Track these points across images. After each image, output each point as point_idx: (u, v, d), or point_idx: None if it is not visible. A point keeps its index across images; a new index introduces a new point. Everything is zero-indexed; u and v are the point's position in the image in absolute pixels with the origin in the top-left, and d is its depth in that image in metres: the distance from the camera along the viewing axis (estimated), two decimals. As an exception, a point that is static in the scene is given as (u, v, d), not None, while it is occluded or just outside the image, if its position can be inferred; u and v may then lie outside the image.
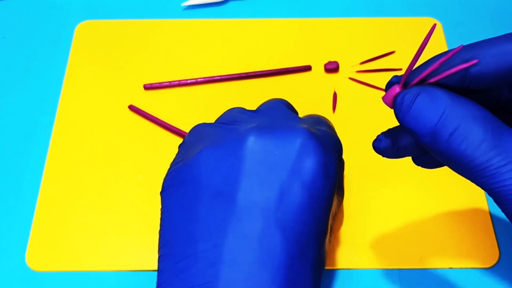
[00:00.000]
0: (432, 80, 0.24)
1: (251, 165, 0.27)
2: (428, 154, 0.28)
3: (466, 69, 0.23)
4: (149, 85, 0.57)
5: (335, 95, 0.56)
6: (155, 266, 0.46)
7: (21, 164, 0.53)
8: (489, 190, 0.21)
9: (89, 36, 0.61)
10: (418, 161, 0.29)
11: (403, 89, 0.25)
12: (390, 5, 0.63)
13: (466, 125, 0.21)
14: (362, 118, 0.54)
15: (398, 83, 0.26)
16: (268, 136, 0.29)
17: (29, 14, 0.63)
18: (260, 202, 0.26)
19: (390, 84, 0.27)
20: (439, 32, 0.60)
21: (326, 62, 0.58)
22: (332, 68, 0.57)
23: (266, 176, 0.27)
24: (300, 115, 0.55)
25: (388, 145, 0.27)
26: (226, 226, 0.26)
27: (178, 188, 0.29)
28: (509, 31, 0.61)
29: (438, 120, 0.22)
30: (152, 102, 0.56)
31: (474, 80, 0.23)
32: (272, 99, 0.38)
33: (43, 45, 0.61)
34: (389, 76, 0.57)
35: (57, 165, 0.52)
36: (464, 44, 0.24)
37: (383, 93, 0.57)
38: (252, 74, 0.57)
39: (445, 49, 0.59)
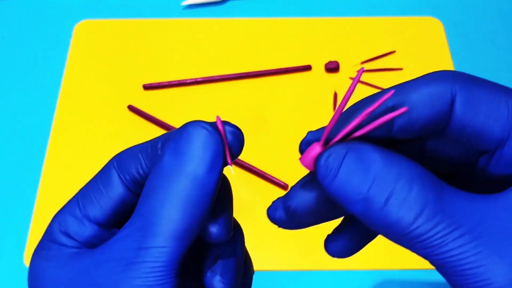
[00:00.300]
0: (357, 134, 0.20)
1: None
2: (342, 238, 0.24)
3: (390, 120, 0.20)
4: (148, 85, 0.57)
5: (335, 95, 0.56)
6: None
7: (20, 163, 0.52)
8: (434, 261, 0.18)
9: (88, 36, 0.61)
10: (330, 250, 0.24)
11: (325, 148, 0.20)
12: (391, 5, 0.63)
13: (403, 189, 0.18)
14: (362, 118, 0.54)
15: (316, 140, 0.21)
16: None
17: (27, 13, 0.63)
18: None
19: (306, 143, 0.22)
20: (440, 31, 0.60)
21: (327, 61, 0.58)
22: (332, 67, 0.57)
23: None
24: (300, 114, 0.55)
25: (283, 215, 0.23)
26: None
27: None
28: (510, 30, 0.61)
29: (370, 185, 0.18)
30: (152, 102, 0.56)
31: (400, 129, 0.20)
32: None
33: (41, 44, 0.60)
34: (390, 75, 0.57)
35: (56, 165, 0.52)
36: (421, 73, 0.20)
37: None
38: (252, 73, 0.57)
39: (447, 49, 0.59)
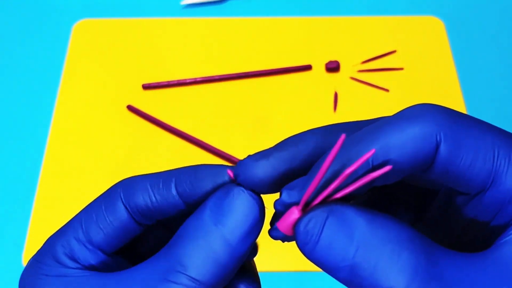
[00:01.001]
0: (338, 196, 0.18)
1: None
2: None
3: (370, 170, 0.18)
4: (147, 85, 0.57)
5: (336, 95, 0.56)
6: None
7: (18, 163, 0.52)
8: None
9: (87, 35, 0.61)
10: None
11: (304, 213, 0.18)
12: (392, 4, 0.63)
13: (392, 255, 0.17)
14: (363, 118, 0.54)
15: (295, 203, 0.19)
16: None
17: (25, 12, 0.63)
18: None
19: (281, 204, 0.20)
20: (441, 30, 0.60)
21: (327, 61, 0.58)
22: (333, 67, 0.57)
23: None
24: (301, 114, 0.55)
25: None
26: None
27: None
28: (512, 30, 0.61)
29: (356, 250, 0.17)
30: (151, 102, 0.56)
31: (382, 180, 0.19)
32: None
33: (40, 44, 0.60)
34: (391, 75, 0.57)
35: (54, 166, 0.52)
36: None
37: (385, 92, 0.57)
38: (252, 73, 0.57)
39: (448, 48, 0.59)
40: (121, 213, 0.22)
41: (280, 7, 0.63)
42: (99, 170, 0.52)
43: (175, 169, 0.22)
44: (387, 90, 0.56)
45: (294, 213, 0.19)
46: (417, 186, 0.23)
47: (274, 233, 0.20)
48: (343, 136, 0.17)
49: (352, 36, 0.60)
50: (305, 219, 0.18)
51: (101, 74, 0.58)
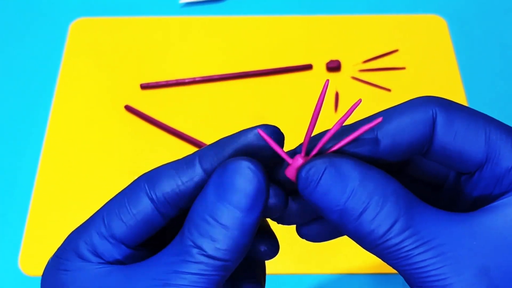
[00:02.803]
0: (335, 147, 0.22)
1: None
2: (315, 225, 0.26)
3: (376, 142, 0.22)
4: (145, 84, 0.57)
5: (337, 94, 0.56)
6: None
7: (14, 164, 0.53)
8: (401, 271, 0.20)
9: (84, 34, 0.61)
10: (302, 232, 0.27)
11: (306, 161, 0.22)
12: (393, 2, 0.63)
13: (376, 204, 0.20)
14: (364, 118, 0.54)
15: (298, 152, 0.23)
16: None
17: (22, 11, 0.63)
18: None
19: (292, 154, 0.23)
20: (443, 29, 0.60)
21: (328, 60, 0.58)
22: (333, 66, 0.57)
23: None
24: (301, 114, 0.55)
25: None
26: None
27: None
28: (516, 29, 0.61)
29: (347, 198, 0.20)
30: (149, 102, 0.56)
31: (385, 152, 0.22)
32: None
33: (36, 43, 0.61)
34: (393, 75, 0.58)
35: (51, 167, 0.52)
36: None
37: (387, 92, 0.57)
38: (251, 73, 0.57)
39: (450, 47, 0.59)
40: (144, 205, 0.22)
41: (280, 5, 0.63)
42: (97, 171, 0.52)
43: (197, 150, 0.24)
44: (389, 90, 0.56)
45: (298, 160, 0.22)
46: (424, 179, 0.26)
47: (282, 178, 0.24)
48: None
49: (353, 35, 0.60)
50: (307, 167, 0.21)
51: (99, 74, 0.58)
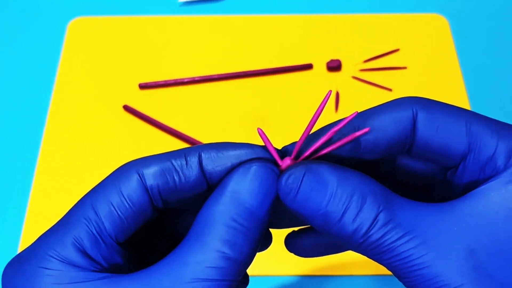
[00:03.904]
0: (325, 151, 0.23)
1: None
2: (304, 239, 0.27)
3: (358, 138, 0.23)
4: (144, 84, 0.57)
5: (337, 94, 0.56)
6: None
7: (12, 164, 0.53)
8: (387, 264, 0.21)
9: (82, 33, 0.61)
10: (290, 247, 0.28)
11: (285, 169, 0.22)
12: (395, 1, 0.63)
13: (356, 204, 0.21)
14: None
15: (289, 154, 0.24)
16: None
17: (19, 10, 0.63)
18: None
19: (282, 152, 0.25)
20: (445, 28, 0.61)
21: (328, 60, 0.58)
22: (334, 66, 0.57)
23: None
24: (301, 114, 0.56)
25: None
26: None
27: None
28: (518, 28, 0.61)
29: (327, 202, 0.21)
30: (148, 102, 0.56)
31: (367, 149, 0.23)
32: None
33: (34, 42, 0.61)
34: (394, 74, 0.58)
35: (49, 167, 0.52)
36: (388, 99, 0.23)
37: (388, 92, 0.57)
38: (251, 72, 0.57)
39: (452, 47, 0.59)
40: (140, 194, 0.22)
41: (280, 4, 0.63)
42: (95, 171, 0.52)
43: (195, 146, 0.24)
44: (390, 90, 0.57)
45: (286, 162, 0.23)
46: (411, 183, 0.26)
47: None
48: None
49: (354, 35, 0.60)
50: (286, 175, 0.22)
51: (97, 73, 0.58)
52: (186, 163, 0.23)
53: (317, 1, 0.63)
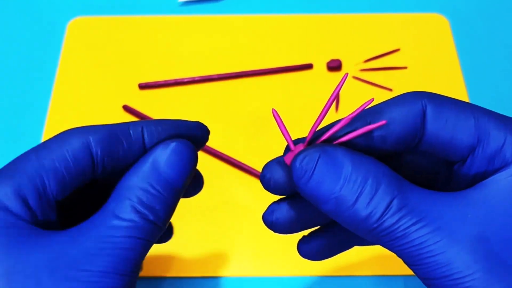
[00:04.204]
0: (340, 141, 0.23)
1: None
2: (315, 242, 0.27)
3: (369, 134, 0.23)
4: (144, 84, 0.57)
5: (338, 94, 0.56)
6: (151, 271, 0.46)
7: (11, 166, 0.53)
8: (398, 251, 0.21)
9: (82, 33, 0.61)
10: (302, 250, 0.28)
11: (300, 150, 0.23)
12: (395, 1, 0.63)
13: (371, 188, 0.21)
14: (365, 119, 0.55)
15: (301, 141, 0.24)
16: None
17: (19, 10, 0.63)
18: None
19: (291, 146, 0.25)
20: (445, 28, 0.61)
21: (329, 60, 0.58)
22: (334, 66, 0.57)
23: None
24: (301, 114, 0.56)
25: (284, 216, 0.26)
26: None
27: None
28: (519, 28, 0.61)
29: (342, 185, 0.21)
30: (148, 102, 0.56)
31: (377, 143, 0.23)
32: None
33: (33, 42, 0.61)
34: (394, 74, 0.58)
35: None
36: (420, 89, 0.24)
37: (388, 92, 0.57)
38: (251, 72, 0.58)
39: (453, 46, 0.59)
40: (84, 155, 0.24)
41: (280, 4, 0.63)
42: (94, 172, 0.52)
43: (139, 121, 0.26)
44: (390, 90, 0.57)
45: (299, 147, 0.23)
46: (416, 172, 0.27)
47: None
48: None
49: (354, 34, 0.60)
50: (301, 156, 0.22)
51: (96, 73, 0.58)
52: (130, 135, 0.25)
53: (317, 1, 0.63)
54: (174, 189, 0.24)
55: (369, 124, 0.23)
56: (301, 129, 0.55)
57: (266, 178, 0.25)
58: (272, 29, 0.61)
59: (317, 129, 0.24)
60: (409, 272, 0.46)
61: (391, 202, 0.21)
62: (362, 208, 0.21)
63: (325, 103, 0.22)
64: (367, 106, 0.23)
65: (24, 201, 0.22)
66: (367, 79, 0.57)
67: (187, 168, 0.24)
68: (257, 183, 0.51)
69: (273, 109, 0.24)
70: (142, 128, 0.25)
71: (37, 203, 0.23)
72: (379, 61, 0.59)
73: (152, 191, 0.23)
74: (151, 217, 0.23)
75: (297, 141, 0.25)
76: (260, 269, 0.47)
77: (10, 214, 0.22)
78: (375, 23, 0.61)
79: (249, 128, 0.54)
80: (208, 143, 0.55)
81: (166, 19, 0.62)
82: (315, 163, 0.21)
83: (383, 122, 0.22)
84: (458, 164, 0.23)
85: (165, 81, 0.57)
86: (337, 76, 0.57)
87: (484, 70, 0.58)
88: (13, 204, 0.22)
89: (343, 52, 0.59)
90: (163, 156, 0.24)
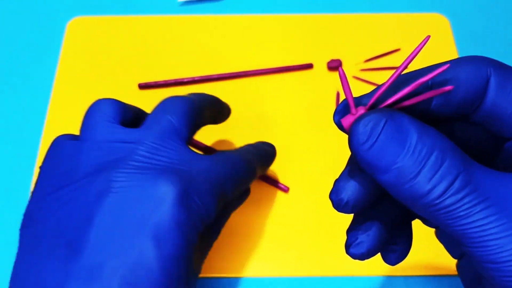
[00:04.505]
0: (405, 104, 0.21)
1: (105, 225, 0.26)
2: (367, 238, 0.25)
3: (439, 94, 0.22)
4: (144, 84, 0.57)
5: (338, 94, 0.56)
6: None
7: (10, 165, 0.53)
8: (457, 231, 0.20)
9: (81, 33, 0.61)
10: (354, 250, 0.25)
11: (362, 114, 0.21)
12: (395, 1, 0.63)
13: (436, 161, 0.19)
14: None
15: (364, 104, 0.22)
16: (128, 195, 0.28)
17: (18, 9, 0.63)
18: (108, 263, 0.26)
19: (343, 106, 0.23)
20: (446, 28, 0.61)
21: (329, 60, 0.58)
22: (335, 66, 0.57)
23: (120, 237, 0.26)
24: (301, 114, 0.56)
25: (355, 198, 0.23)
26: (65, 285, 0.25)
27: (29, 232, 0.29)
28: (520, 28, 0.61)
29: (405, 155, 0.20)
30: (148, 102, 0.56)
31: (439, 103, 0.22)
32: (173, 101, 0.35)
33: (32, 42, 0.61)
34: (394, 74, 0.58)
35: (48, 168, 0.52)
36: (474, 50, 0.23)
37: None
38: (251, 72, 0.58)
39: (453, 47, 0.59)
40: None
41: (280, 4, 0.63)
42: (94, 172, 0.52)
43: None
44: (390, 90, 0.57)
45: (360, 111, 0.21)
46: (466, 144, 0.25)
47: (338, 125, 0.23)
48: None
49: (354, 34, 0.60)
50: (365, 120, 0.20)
51: (96, 73, 0.58)
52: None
53: (317, 0, 0.63)
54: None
55: (430, 85, 0.21)
56: (301, 129, 0.55)
57: (343, 202, 0.23)
58: (272, 29, 0.61)
59: (383, 91, 0.22)
60: (410, 272, 0.46)
61: (455, 178, 0.19)
62: (424, 182, 0.19)
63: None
64: (442, 70, 0.21)
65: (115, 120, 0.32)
66: (367, 79, 0.57)
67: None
68: (257, 181, 0.51)
69: (340, 69, 0.22)
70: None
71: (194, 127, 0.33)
72: (380, 61, 0.59)
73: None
74: None
75: (356, 103, 0.22)
76: (260, 269, 0.47)
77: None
78: (376, 23, 0.61)
79: (249, 127, 0.54)
80: (208, 143, 0.55)
81: (166, 19, 0.62)
82: (381, 128, 0.20)
83: (450, 87, 0.20)
84: (511, 142, 0.22)
85: (165, 81, 0.57)
86: (337, 76, 0.57)
87: (485, 70, 0.58)
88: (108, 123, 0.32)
89: (343, 52, 0.59)
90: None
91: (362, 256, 0.24)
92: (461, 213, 0.19)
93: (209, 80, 0.57)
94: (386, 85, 0.21)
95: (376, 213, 0.25)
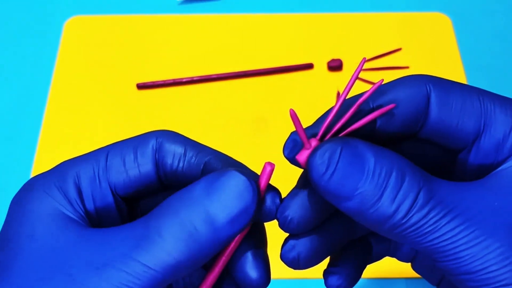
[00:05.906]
0: (352, 128, 0.21)
1: None
2: (343, 268, 0.25)
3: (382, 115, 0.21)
4: (142, 84, 0.57)
5: (338, 94, 0.56)
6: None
7: (10, 163, 0.53)
8: (427, 248, 0.19)
9: (79, 32, 0.61)
10: (332, 281, 0.26)
11: (318, 145, 0.20)
12: (396, 0, 0.63)
13: (396, 181, 0.19)
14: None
15: (313, 135, 0.22)
16: None
17: (15, 9, 0.63)
18: None
19: (293, 140, 0.22)
20: (448, 27, 0.61)
21: (329, 59, 0.58)
22: (335, 66, 0.57)
23: None
24: (302, 114, 0.55)
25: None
26: None
27: None
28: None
29: (365, 180, 0.19)
30: (146, 102, 0.56)
31: (383, 124, 0.22)
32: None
33: (30, 41, 0.61)
34: (396, 74, 0.58)
35: (46, 168, 0.52)
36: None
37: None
38: (251, 72, 0.58)
39: (455, 46, 0.59)
40: (150, 161, 0.23)
41: (280, 3, 0.63)
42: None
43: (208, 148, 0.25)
44: (392, 90, 0.57)
45: (313, 143, 0.21)
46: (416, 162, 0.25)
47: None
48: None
49: (355, 34, 0.60)
50: (321, 151, 0.20)
51: (94, 73, 0.58)
52: (195, 157, 0.25)
53: (318, 0, 0.63)
54: (218, 240, 0.21)
55: (373, 108, 0.22)
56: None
57: (288, 219, 0.23)
58: (272, 29, 0.61)
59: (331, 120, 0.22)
60: (411, 275, 0.46)
61: (418, 194, 0.19)
62: (388, 204, 0.19)
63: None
64: (376, 87, 0.21)
65: (78, 189, 0.22)
66: (368, 79, 0.57)
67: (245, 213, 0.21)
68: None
69: (291, 110, 0.22)
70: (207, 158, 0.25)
71: (90, 191, 0.22)
72: (381, 61, 0.59)
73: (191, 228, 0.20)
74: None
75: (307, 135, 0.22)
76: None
77: (65, 200, 0.22)
78: (377, 22, 0.61)
79: (249, 128, 0.54)
80: (207, 144, 0.55)
81: (164, 18, 0.62)
82: (338, 156, 0.20)
83: (392, 105, 0.20)
84: (464, 153, 0.22)
85: (164, 81, 0.57)
86: (338, 76, 0.58)
87: (487, 69, 0.58)
88: (70, 189, 0.22)
89: (344, 52, 0.59)
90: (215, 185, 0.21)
91: (295, 262, 0.24)
92: (429, 229, 0.19)
93: (208, 80, 0.57)
94: (333, 112, 0.21)
95: (320, 230, 0.24)
